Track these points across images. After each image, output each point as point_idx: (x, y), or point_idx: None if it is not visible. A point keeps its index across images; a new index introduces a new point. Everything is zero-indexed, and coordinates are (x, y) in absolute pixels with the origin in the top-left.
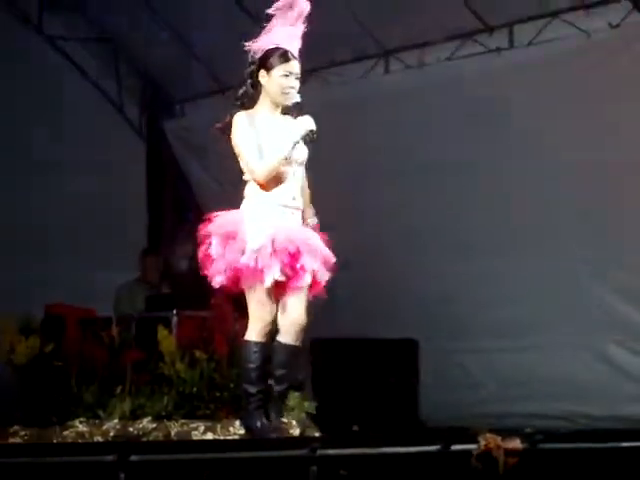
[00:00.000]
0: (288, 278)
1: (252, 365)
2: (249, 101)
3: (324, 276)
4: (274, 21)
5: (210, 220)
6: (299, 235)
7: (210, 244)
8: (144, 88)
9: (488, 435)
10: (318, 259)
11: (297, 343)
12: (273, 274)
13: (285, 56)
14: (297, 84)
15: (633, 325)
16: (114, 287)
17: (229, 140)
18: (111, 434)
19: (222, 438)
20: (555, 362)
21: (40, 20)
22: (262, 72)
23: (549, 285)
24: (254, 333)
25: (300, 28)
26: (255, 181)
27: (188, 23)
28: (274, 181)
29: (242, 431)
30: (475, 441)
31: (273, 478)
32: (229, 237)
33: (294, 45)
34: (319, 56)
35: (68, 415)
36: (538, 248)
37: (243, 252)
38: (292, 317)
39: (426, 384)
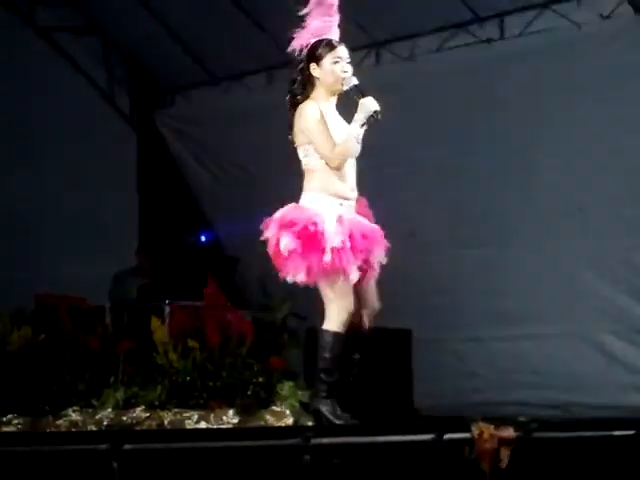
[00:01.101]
0: (364, 270)
1: (331, 354)
2: (303, 98)
3: (383, 259)
4: (310, 17)
5: (273, 219)
6: (369, 230)
7: (279, 241)
8: (134, 78)
9: (481, 424)
10: (383, 247)
11: (363, 325)
12: (356, 270)
13: (331, 44)
14: (350, 68)
15: (629, 315)
16: (102, 280)
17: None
18: (104, 423)
19: (215, 427)
20: (551, 351)
21: (31, 11)
22: (312, 65)
23: (546, 275)
24: (336, 323)
25: (336, 17)
26: (333, 167)
27: (177, 14)
28: (334, 174)
29: (235, 420)
30: (468, 430)
31: (266, 467)
32: (305, 235)
33: (335, 33)
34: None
35: (61, 404)
36: (536, 239)
37: (323, 250)
38: (372, 305)
39: (422, 373)
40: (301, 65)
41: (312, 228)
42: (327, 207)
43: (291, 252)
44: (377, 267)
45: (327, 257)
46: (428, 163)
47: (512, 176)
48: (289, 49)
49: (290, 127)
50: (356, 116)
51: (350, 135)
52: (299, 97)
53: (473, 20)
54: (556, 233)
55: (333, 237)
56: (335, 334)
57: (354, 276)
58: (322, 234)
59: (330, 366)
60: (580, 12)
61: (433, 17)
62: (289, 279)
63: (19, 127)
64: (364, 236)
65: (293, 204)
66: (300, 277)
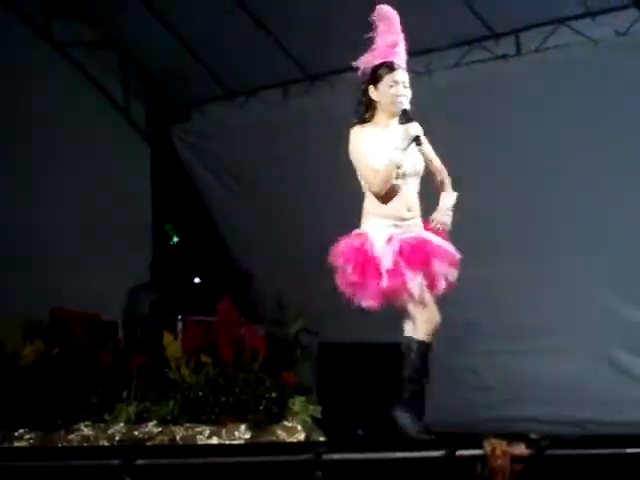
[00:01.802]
0: (428, 284)
1: (420, 365)
2: (365, 120)
3: (453, 275)
4: (376, 37)
5: (339, 248)
6: (424, 242)
7: (345, 271)
8: (150, 92)
9: (493, 440)
10: (446, 260)
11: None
12: (417, 283)
13: (390, 67)
14: (407, 92)
15: None
16: (115, 295)
17: None
18: (116, 438)
19: (227, 442)
20: (564, 366)
21: (47, 25)
22: (371, 88)
23: (560, 290)
24: (424, 333)
25: (400, 36)
26: (372, 193)
27: (194, 28)
28: (388, 194)
29: (247, 435)
30: (480, 446)
31: None
32: (363, 262)
33: (398, 54)
34: (324, 64)
35: (74, 419)
36: (550, 254)
37: (381, 274)
38: (434, 321)
39: (436, 387)
40: (363, 86)
41: (367, 255)
42: (381, 229)
43: (356, 282)
44: (441, 281)
45: (384, 282)
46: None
47: (527, 191)
48: (358, 71)
49: None
50: (398, 142)
51: (390, 161)
52: (361, 118)
53: (489, 36)
54: (571, 248)
55: (385, 260)
56: (424, 345)
57: (417, 290)
58: (374, 259)
59: (415, 375)
60: (595, 28)
61: (449, 33)
62: (366, 307)
63: (36, 141)
64: (414, 249)
65: (355, 231)
66: (371, 303)
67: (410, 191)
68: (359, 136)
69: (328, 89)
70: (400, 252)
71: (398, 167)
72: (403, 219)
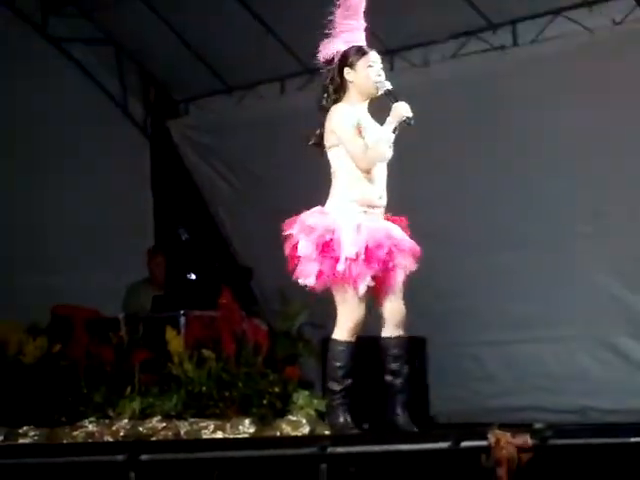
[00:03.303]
0: (383, 277)
1: (338, 363)
2: (334, 102)
3: (412, 267)
4: (337, 23)
5: (296, 219)
6: (389, 237)
7: (297, 243)
8: (148, 87)
9: (497, 431)
10: (408, 255)
11: (404, 334)
12: (366, 282)
13: (362, 49)
14: (382, 73)
15: None
16: (117, 290)
17: (323, 153)
18: (121, 434)
19: (231, 437)
20: (568, 354)
21: (44, 22)
22: (346, 69)
23: (563, 278)
24: (343, 332)
25: (361, 21)
26: (361, 169)
27: (191, 23)
28: (362, 179)
29: (251, 429)
30: (485, 437)
31: (283, 477)
32: (322, 242)
33: (362, 38)
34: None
35: (78, 415)
36: (553, 242)
37: (337, 259)
38: (394, 311)
39: (439, 377)
40: (332, 72)
41: (328, 236)
42: (349, 214)
43: (306, 256)
44: (402, 275)
45: (340, 266)
46: (443, 169)
47: (528, 180)
48: (319, 58)
49: (312, 134)
50: (388, 120)
51: (381, 138)
52: (331, 102)
53: (486, 27)
54: (573, 236)
55: (348, 247)
56: (341, 343)
57: (362, 288)
58: (338, 243)
59: (337, 374)
60: (592, 18)
61: (446, 24)
62: (300, 281)
63: (34, 138)
64: (379, 246)
65: (318, 208)
66: (310, 281)
67: (381, 178)
68: (347, 111)
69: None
70: (366, 243)
71: (389, 146)
72: (373, 206)
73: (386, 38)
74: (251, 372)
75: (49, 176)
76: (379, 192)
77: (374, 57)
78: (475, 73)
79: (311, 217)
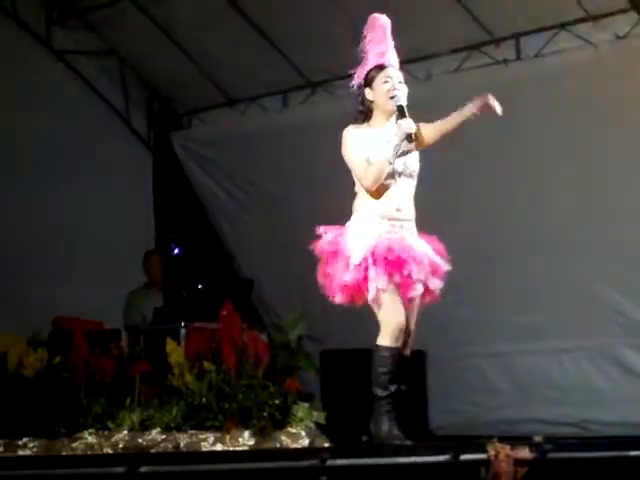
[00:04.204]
0: (400, 288)
1: (383, 369)
2: (362, 122)
3: (436, 284)
4: (367, 49)
5: (320, 237)
6: (401, 244)
7: (321, 262)
8: (151, 100)
9: (497, 445)
10: (425, 267)
11: (404, 351)
12: (376, 284)
13: (381, 66)
14: (402, 87)
15: None
16: (118, 302)
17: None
18: (120, 445)
19: (231, 449)
20: (569, 366)
21: (47, 34)
22: (367, 90)
23: (566, 290)
24: (386, 338)
25: (390, 42)
26: (365, 189)
27: (194, 36)
28: (379, 193)
29: (251, 441)
30: (484, 451)
31: None
32: (335, 255)
33: (390, 59)
34: (325, 71)
35: (77, 426)
36: (555, 253)
37: (348, 268)
38: (394, 323)
39: (439, 389)
40: (360, 92)
41: (339, 248)
42: (369, 226)
43: (326, 275)
44: (421, 289)
45: (347, 276)
46: (444, 180)
47: (529, 192)
48: (353, 85)
49: None
50: (392, 138)
51: (382, 158)
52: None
53: (489, 41)
54: (573, 247)
55: (354, 255)
56: (386, 349)
57: (372, 290)
58: (344, 252)
59: (383, 380)
60: (596, 33)
61: (449, 38)
62: (335, 301)
63: (36, 150)
64: (390, 250)
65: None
66: (338, 299)
67: (401, 192)
68: (351, 133)
69: (329, 97)
70: (374, 249)
71: (390, 163)
72: (390, 218)
73: None
74: (251, 384)
75: (50, 189)
76: (396, 205)
77: (391, 72)
78: (478, 87)
79: (328, 233)
